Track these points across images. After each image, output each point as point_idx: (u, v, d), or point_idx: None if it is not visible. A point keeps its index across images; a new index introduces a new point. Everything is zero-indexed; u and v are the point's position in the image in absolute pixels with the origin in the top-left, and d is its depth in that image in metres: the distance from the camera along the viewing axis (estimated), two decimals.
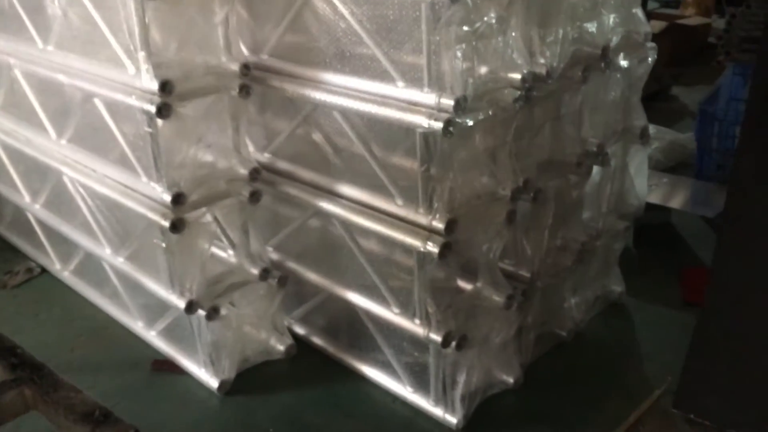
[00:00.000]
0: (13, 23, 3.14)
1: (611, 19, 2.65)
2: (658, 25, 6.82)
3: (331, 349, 2.99)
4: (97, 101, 2.73)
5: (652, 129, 4.87)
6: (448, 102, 2.12)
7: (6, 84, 3.38)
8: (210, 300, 2.67)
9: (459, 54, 2.09)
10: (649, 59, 2.86)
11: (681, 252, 3.73)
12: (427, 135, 2.18)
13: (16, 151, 3.42)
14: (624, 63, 2.78)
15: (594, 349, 3.03)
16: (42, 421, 1.78)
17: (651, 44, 2.86)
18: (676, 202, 3.82)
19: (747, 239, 2.39)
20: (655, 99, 5.99)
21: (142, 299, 3.02)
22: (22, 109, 3.32)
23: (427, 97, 2.17)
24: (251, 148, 2.88)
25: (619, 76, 2.81)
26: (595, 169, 2.89)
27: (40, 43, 3.01)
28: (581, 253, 2.87)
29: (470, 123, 2.15)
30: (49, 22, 2.91)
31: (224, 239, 2.76)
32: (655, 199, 3.79)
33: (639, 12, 2.80)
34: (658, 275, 3.52)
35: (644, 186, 3.15)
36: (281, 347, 2.97)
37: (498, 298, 2.50)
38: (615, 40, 2.69)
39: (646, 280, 3.49)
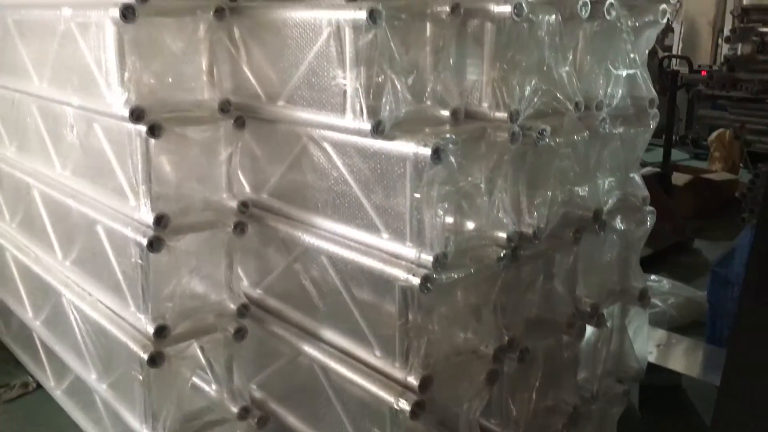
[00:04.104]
0: (37, 146, 3.31)
1: (606, 183, 2.68)
2: (683, 178, 6.86)
3: None
4: (99, 228, 2.81)
5: (668, 284, 4.86)
6: (428, 258, 2.13)
7: (25, 202, 3.51)
8: None
9: (440, 212, 2.12)
10: (648, 223, 2.85)
11: (688, 420, 3.56)
12: (406, 289, 2.18)
13: (25, 267, 3.50)
14: (620, 226, 2.78)
15: None
16: None
17: (649, 208, 2.86)
18: (685, 366, 3.68)
19: (743, 411, 2.28)
20: (677, 252, 5.93)
21: (123, 428, 2.96)
22: (35, 227, 3.43)
23: (408, 251, 2.19)
24: (245, 282, 2.90)
25: (615, 237, 2.80)
26: (591, 329, 2.82)
27: (58, 167, 3.15)
28: (573, 417, 2.76)
29: (448, 281, 2.14)
30: (67, 149, 3.05)
31: (207, 374, 2.73)
32: (662, 360, 3.66)
33: (636, 177, 2.82)
34: None
35: (645, 349, 3.07)
36: None
37: None
38: (610, 203, 2.70)
39: None
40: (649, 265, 5.32)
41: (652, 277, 4.95)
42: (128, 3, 2.25)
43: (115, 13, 2.25)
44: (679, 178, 6.88)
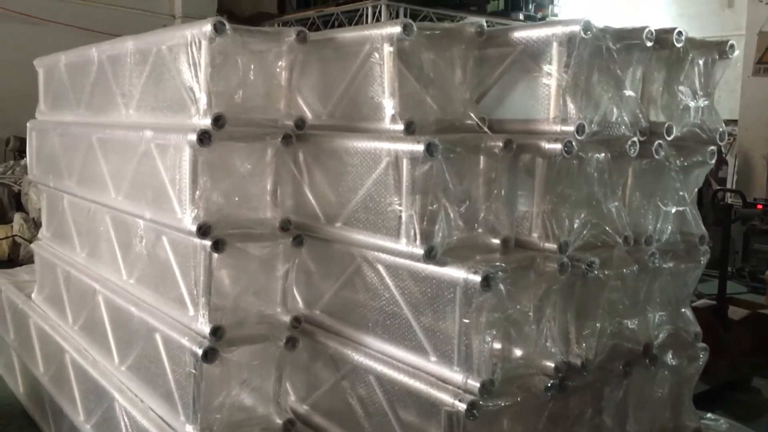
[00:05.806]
0: (107, 254, 3.49)
1: (657, 316, 2.68)
2: (740, 312, 6.68)
3: None
4: (157, 336, 2.91)
5: (725, 423, 4.64)
6: (474, 384, 2.15)
7: (89, 307, 3.67)
8: None
9: (488, 338, 2.15)
10: (700, 360, 2.81)
11: None
12: (452, 414, 2.18)
13: (83, 370, 3.60)
14: (672, 361, 2.75)
15: None
16: None
17: (702, 344, 2.83)
18: None
19: None
20: (734, 390, 5.70)
21: None
22: (96, 332, 3.56)
23: (455, 375, 2.22)
24: (292, 396, 2.93)
25: (667, 373, 2.76)
26: None
27: (124, 275, 3.31)
28: None
29: (494, 408, 2.15)
30: (135, 258, 3.22)
31: None
32: None
33: (688, 312, 2.81)
34: None
35: None
36: None
37: None
38: (661, 337, 2.69)
39: None
40: (704, 402, 5.13)
41: (708, 415, 4.73)
42: (205, 129, 2.45)
43: (193, 137, 2.45)
44: (735, 312, 6.70)
